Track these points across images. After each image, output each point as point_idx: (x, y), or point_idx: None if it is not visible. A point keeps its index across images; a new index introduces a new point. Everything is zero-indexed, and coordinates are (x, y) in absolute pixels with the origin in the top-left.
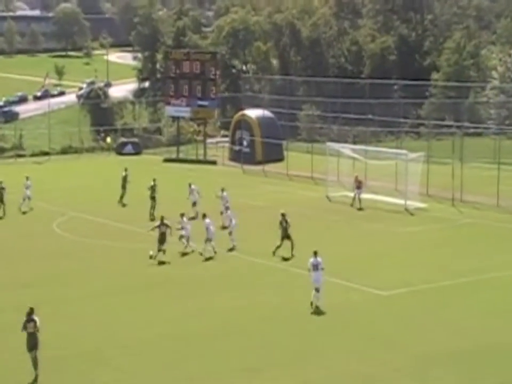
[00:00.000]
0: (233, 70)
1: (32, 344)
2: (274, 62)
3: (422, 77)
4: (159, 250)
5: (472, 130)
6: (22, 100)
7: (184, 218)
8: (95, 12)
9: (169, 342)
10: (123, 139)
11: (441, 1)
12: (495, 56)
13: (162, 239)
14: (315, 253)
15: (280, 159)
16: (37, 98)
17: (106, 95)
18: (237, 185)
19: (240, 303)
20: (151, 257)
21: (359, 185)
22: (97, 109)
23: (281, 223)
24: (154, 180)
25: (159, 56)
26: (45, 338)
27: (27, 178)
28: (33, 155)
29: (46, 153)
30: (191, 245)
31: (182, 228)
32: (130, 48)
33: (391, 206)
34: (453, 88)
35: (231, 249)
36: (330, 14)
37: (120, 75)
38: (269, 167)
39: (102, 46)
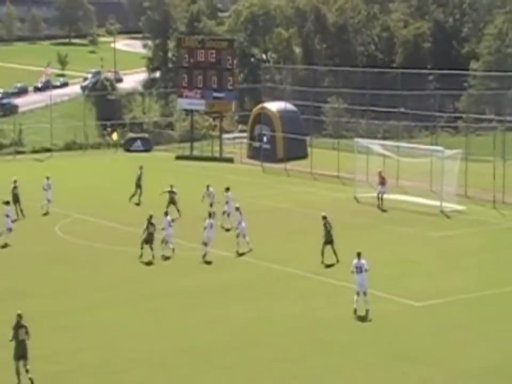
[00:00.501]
0: (252, 59)
1: (23, 352)
2: (297, 50)
3: (459, 66)
4: (142, 248)
5: None
6: (22, 91)
7: (168, 217)
8: None
9: (178, 356)
10: (131, 134)
11: None
12: None
13: (149, 239)
14: (358, 254)
15: (303, 156)
16: (37, 89)
17: (113, 86)
18: (256, 185)
19: (256, 314)
20: (152, 260)
21: (382, 181)
22: (104, 101)
23: (325, 225)
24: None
25: (171, 44)
26: (45, 353)
27: (47, 178)
28: (33, 152)
29: (48, 150)
30: (170, 246)
31: (163, 229)
32: (139, 35)
33: (425, 208)
34: (494, 78)
35: (241, 254)
36: None
37: (129, 64)
38: (291, 165)
39: (109, 32)
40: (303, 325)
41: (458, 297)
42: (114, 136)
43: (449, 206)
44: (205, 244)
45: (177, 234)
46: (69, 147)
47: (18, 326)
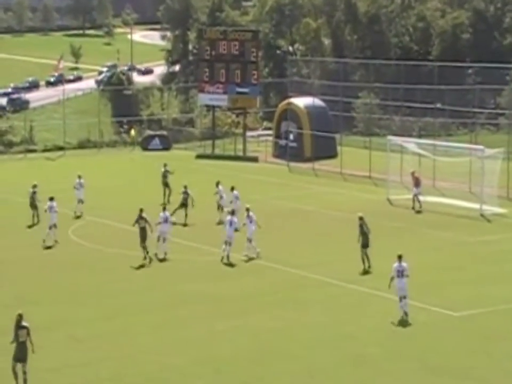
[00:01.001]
0: (278, 51)
1: (22, 355)
2: (326, 41)
3: (501, 59)
4: (143, 247)
5: None
6: (33, 86)
7: (167, 213)
8: None
9: (197, 368)
10: (149, 132)
11: None
12: None
13: (143, 235)
14: (399, 257)
15: (332, 155)
16: (50, 84)
17: (130, 80)
18: (281, 185)
19: (281, 324)
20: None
21: (416, 182)
22: (120, 96)
23: (361, 226)
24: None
25: (192, 36)
26: (56, 365)
27: (79, 177)
28: (45, 150)
29: (60, 148)
30: (165, 245)
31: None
32: (158, 26)
33: (463, 211)
34: None
35: (251, 259)
36: None
37: (147, 57)
38: (320, 165)
39: (125, 23)
40: (331, 336)
41: (500, 307)
42: (132, 132)
43: (489, 208)
44: (229, 244)
45: (195, 239)
46: (83, 145)
47: (19, 327)
